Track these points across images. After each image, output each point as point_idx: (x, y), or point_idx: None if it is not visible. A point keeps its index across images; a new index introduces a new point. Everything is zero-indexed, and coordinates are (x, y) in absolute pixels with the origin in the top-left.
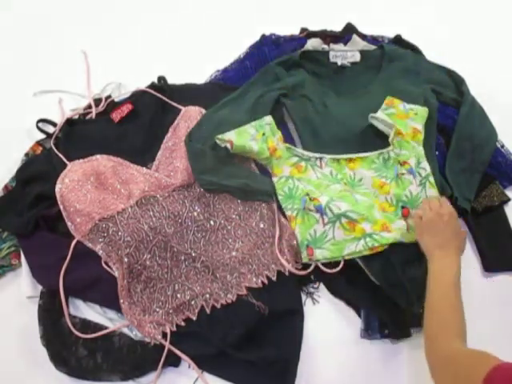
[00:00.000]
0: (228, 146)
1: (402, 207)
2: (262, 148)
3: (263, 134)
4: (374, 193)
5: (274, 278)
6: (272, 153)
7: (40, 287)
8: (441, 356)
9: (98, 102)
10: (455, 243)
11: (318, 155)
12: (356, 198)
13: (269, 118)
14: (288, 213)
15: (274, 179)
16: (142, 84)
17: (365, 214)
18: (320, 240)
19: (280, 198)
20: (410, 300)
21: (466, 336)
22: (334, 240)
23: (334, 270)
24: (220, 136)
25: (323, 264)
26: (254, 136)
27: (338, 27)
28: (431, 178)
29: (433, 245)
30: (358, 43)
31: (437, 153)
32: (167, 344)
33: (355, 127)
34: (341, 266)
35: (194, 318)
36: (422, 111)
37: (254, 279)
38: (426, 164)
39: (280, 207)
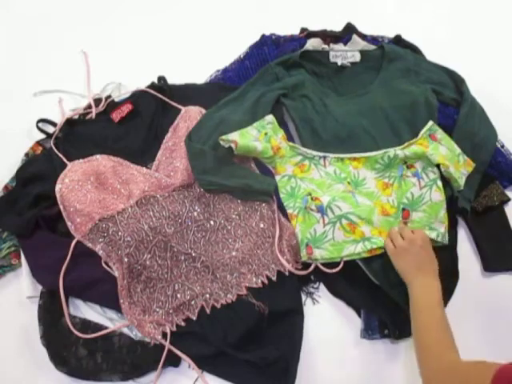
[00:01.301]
0: (233, 145)
1: (403, 209)
2: (266, 147)
3: (265, 134)
4: (377, 193)
5: (274, 278)
6: (275, 152)
7: (40, 287)
8: (438, 369)
9: (98, 102)
10: (432, 266)
11: (321, 154)
12: (357, 200)
13: (270, 118)
14: (289, 211)
15: (277, 177)
16: (142, 84)
17: (365, 217)
18: (319, 240)
19: (282, 195)
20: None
21: (457, 350)
22: (334, 241)
23: (334, 270)
24: (224, 137)
25: (323, 264)
26: (257, 137)
27: (338, 27)
28: (439, 182)
29: (410, 268)
30: (358, 43)
31: None
32: (167, 344)
33: (355, 127)
34: (341, 266)
35: (194, 318)
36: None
37: (254, 279)
38: (435, 168)
39: (280, 207)
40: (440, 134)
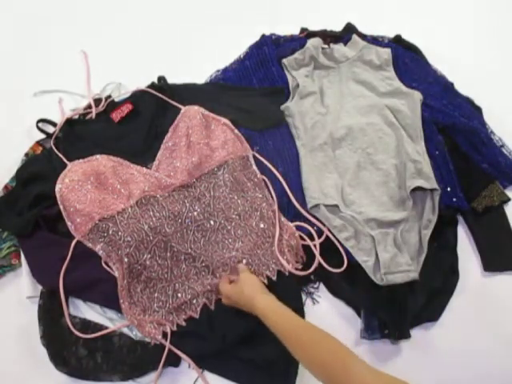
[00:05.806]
0: None
1: None
2: None
3: None
4: None
5: (274, 278)
6: None
7: (40, 287)
8: None
9: (97, 102)
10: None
11: None
12: None
13: None
14: None
15: None
16: (142, 84)
17: None
18: None
19: None
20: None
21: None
22: None
23: (337, 270)
24: None
25: (326, 263)
26: None
27: (338, 27)
28: None
29: (254, 291)
30: (358, 43)
31: (437, 152)
32: (167, 344)
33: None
34: (344, 266)
35: (197, 317)
36: None
37: None
38: None
39: (280, 208)
40: None
